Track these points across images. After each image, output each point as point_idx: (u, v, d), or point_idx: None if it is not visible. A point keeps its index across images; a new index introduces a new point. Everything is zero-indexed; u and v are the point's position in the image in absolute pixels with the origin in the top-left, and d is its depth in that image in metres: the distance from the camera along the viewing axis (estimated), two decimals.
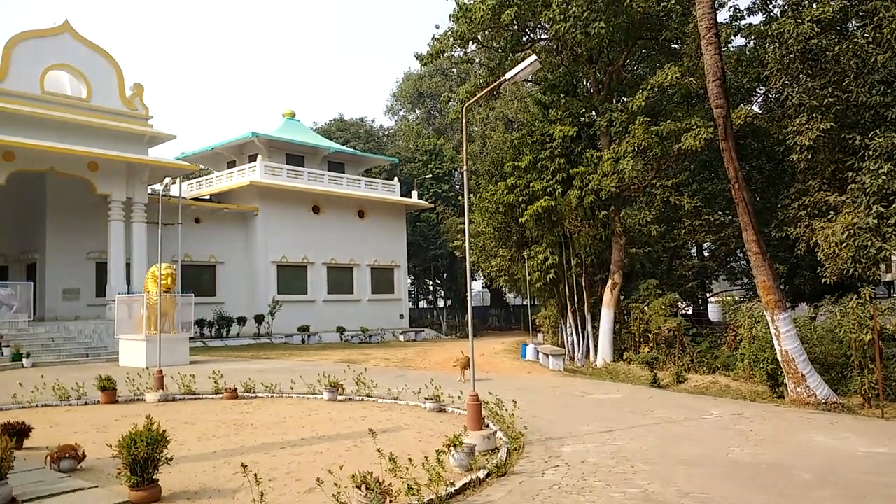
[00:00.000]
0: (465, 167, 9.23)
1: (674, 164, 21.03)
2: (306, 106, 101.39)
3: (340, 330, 31.88)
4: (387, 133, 52.71)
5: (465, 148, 9.79)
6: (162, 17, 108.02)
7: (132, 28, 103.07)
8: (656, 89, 18.38)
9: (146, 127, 25.33)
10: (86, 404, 11.78)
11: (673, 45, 20.95)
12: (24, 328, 20.93)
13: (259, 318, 29.71)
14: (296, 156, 34.28)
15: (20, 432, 7.98)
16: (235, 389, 12.38)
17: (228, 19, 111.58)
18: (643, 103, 18.17)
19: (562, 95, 21.24)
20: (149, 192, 25.37)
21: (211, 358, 21.21)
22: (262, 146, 32.45)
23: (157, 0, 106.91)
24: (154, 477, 5.84)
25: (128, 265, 24.18)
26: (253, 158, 31.99)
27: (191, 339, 21.28)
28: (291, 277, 32.03)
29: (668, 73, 17.55)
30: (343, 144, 41.78)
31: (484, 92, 11.54)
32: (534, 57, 8.75)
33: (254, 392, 12.65)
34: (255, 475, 5.57)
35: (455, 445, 6.85)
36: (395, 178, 38.15)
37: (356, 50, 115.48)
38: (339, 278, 34.15)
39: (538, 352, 20.84)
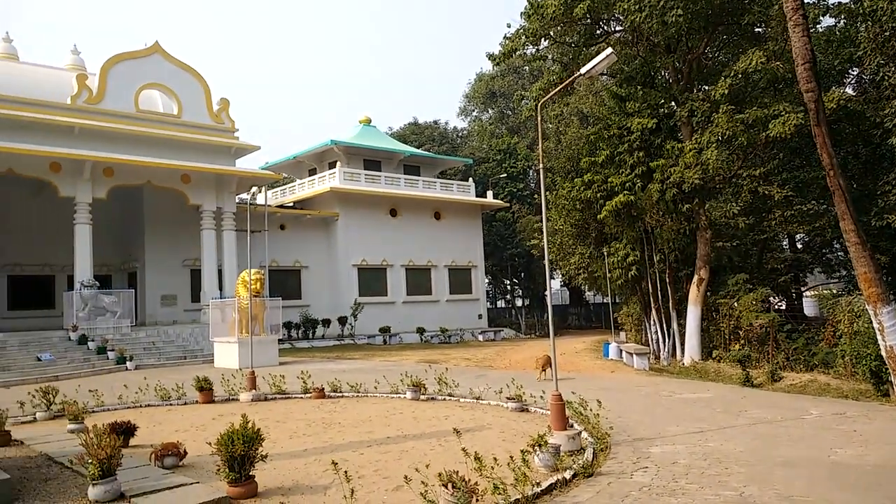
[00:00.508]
0: (541, 165, 9.15)
1: (761, 152, 20.09)
2: (382, 112, 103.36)
3: (420, 330, 32.27)
4: (460, 134, 52.93)
5: (540, 145, 9.72)
6: (243, 33, 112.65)
7: (217, 43, 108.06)
8: (740, 76, 17.60)
9: (233, 139, 26.53)
10: (185, 404, 12.44)
11: (756, 29, 20.02)
12: (127, 333, 22.31)
13: (342, 320, 30.51)
14: (373, 161, 34.98)
15: (127, 431, 8.49)
16: (323, 389, 12.75)
17: (308, 32, 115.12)
18: (726, 91, 17.45)
19: (639, 87, 20.69)
20: (237, 201, 26.56)
21: (298, 359, 21.94)
22: (340, 153, 33.31)
23: (240, 16, 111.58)
24: (251, 473, 6.09)
25: (219, 271, 25.41)
26: (332, 165, 32.90)
27: (279, 340, 22.08)
28: (372, 279, 32.69)
29: (753, 59, 16.78)
30: (418, 148, 42.30)
31: (559, 88, 11.40)
32: (609, 50, 8.58)
33: (340, 391, 12.99)
34: (346, 473, 5.72)
35: (540, 445, 6.80)
36: (470, 179, 38.25)
37: (429, 54, 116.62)
38: (418, 279, 34.57)
39: (621, 350, 20.38)
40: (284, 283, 29.67)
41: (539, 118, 9.23)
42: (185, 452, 7.45)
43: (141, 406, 12.19)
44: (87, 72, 25.41)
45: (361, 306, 30.93)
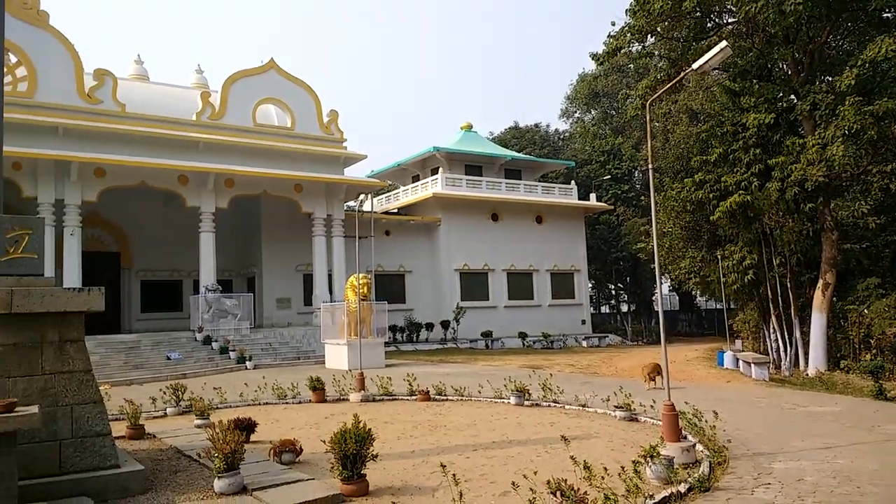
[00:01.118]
0: (650, 165, 8.87)
1: (893, 146, 18.47)
2: (483, 117, 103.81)
3: (522, 335, 32.08)
4: (562, 137, 52.24)
5: (649, 145, 9.41)
6: (349, 44, 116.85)
7: (325, 54, 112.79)
8: (868, 65, 16.28)
9: (341, 149, 27.64)
10: (299, 403, 13.03)
11: (885, 15, 18.46)
12: (247, 334, 23.68)
13: (445, 324, 30.88)
14: (474, 166, 35.22)
15: (247, 427, 8.98)
16: (428, 392, 12.96)
17: (411, 42, 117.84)
18: (853, 82, 16.20)
19: (754, 81, 19.61)
20: (345, 208, 27.60)
21: (403, 361, 22.42)
22: (442, 159, 33.81)
23: (344, 28, 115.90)
24: (362, 472, 6.29)
25: (329, 276, 26.48)
26: (435, 171, 33.44)
27: (385, 343, 22.67)
28: (473, 284, 32.90)
29: (882, 46, 15.49)
30: (519, 152, 42.13)
31: (669, 86, 11.02)
32: (724, 43, 8.19)
33: (444, 395, 13.15)
34: (454, 476, 5.79)
35: (652, 456, 6.58)
36: (573, 182, 37.66)
37: (529, 58, 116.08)
38: (520, 284, 34.42)
39: (737, 359, 19.33)
40: (389, 287, 30.42)
41: (648, 117, 8.94)
42: (301, 449, 7.78)
43: (259, 404, 12.87)
44: (210, 89, 27.27)
45: (463, 310, 31.18)
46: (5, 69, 6.84)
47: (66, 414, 6.41)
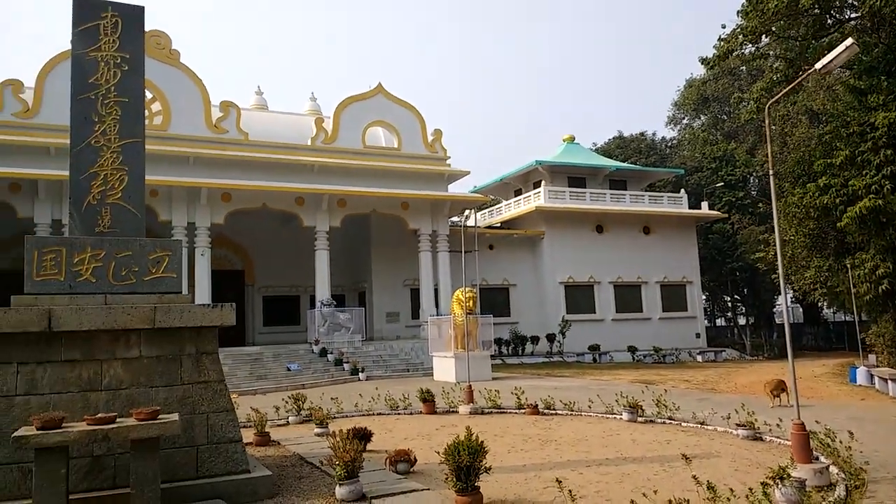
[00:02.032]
0: (771, 171, 8.44)
1: None
2: (585, 128, 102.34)
3: (631, 349, 31.14)
4: (669, 144, 50.51)
5: (769, 150, 8.97)
6: (450, 61, 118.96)
7: (427, 74, 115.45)
8: None
9: (445, 166, 28.22)
10: (410, 414, 13.34)
11: None
12: (359, 347, 24.54)
13: (550, 337, 30.55)
14: (577, 178, 34.77)
15: (364, 437, 9.28)
16: (536, 405, 12.89)
17: (511, 56, 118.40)
18: None
19: (882, 77, 18.14)
20: (449, 223, 28.09)
21: (509, 374, 22.38)
22: (545, 172, 33.65)
23: (447, 45, 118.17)
24: (476, 484, 6.37)
25: (435, 290, 26.98)
26: (537, 185, 33.34)
27: (490, 356, 22.74)
28: (579, 297, 32.37)
29: None
30: (624, 162, 41.17)
31: (790, 87, 10.45)
32: (850, 40, 7.71)
33: (553, 409, 13.02)
34: (570, 492, 5.75)
35: (782, 478, 6.22)
36: (682, 190, 36.28)
37: (632, 66, 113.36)
38: (627, 296, 33.48)
39: (872, 375, 17.81)
40: (494, 300, 30.50)
41: (768, 120, 8.52)
42: (416, 459, 7.98)
43: (373, 414, 13.30)
44: (323, 115, 28.71)
45: (569, 324, 30.71)
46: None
47: (203, 421, 6.94)
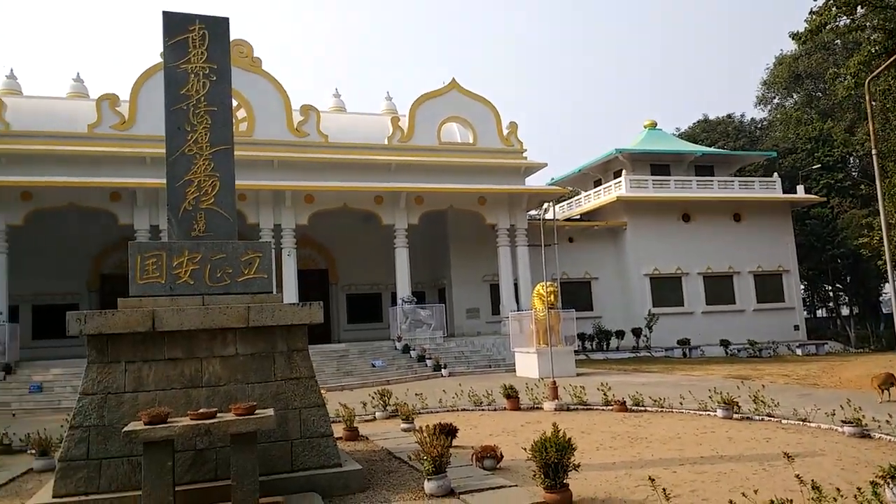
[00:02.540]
0: (874, 150, 7.88)
1: None
2: (667, 113, 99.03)
3: (724, 343, 29.87)
4: (759, 126, 48.11)
5: (871, 127, 8.40)
6: (523, 51, 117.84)
7: (501, 66, 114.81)
8: None
9: (521, 160, 27.98)
10: (494, 410, 13.32)
11: None
12: (440, 343, 24.75)
13: (636, 332, 29.76)
14: (661, 165, 33.69)
15: (450, 432, 9.33)
16: (624, 402, 12.57)
17: (587, 42, 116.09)
18: None
19: None
20: (527, 217, 27.86)
21: (594, 370, 21.96)
22: (626, 161, 32.78)
23: (519, 34, 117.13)
24: (565, 481, 6.28)
25: (515, 285, 26.83)
26: (618, 174, 32.52)
27: (574, 351, 22.39)
28: (666, 289, 31.37)
29: None
30: (710, 146, 39.55)
31: (892, 60, 9.72)
32: None
33: (642, 405, 12.67)
34: (664, 490, 5.57)
35: (893, 477, 5.80)
36: (775, 174, 34.49)
37: (716, 46, 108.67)
38: (718, 288, 32.15)
39: None
40: (575, 294, 30.00)
41: (868, 96, 7.96)
42: (502, 456, 7.96)
43: (457, 410, 13.36)
44: (399, 113, 29.08)
45: (656, 317, 29.82)
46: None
47: (295, 416, 7.17)
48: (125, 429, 5.81)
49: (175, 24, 7.77)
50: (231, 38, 8.12)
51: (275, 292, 7.83)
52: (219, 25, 7.91)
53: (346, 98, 31.34)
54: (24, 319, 24.71)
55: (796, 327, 32.83)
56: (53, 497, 6.19)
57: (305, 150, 25.48)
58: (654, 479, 5.80)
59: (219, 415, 6.20)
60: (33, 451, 9.40)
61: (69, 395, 18.13)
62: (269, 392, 7.14)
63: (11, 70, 26.46)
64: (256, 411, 6.25)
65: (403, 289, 25.27)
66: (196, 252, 7.30)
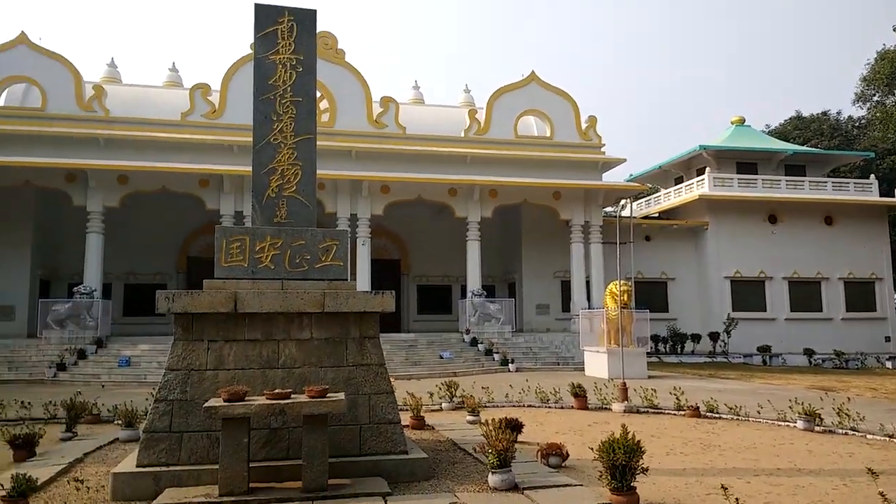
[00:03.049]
0: None
1: None
2: (756, 110, 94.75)
3: (808, 352, 28.46)
4: (856, 125, 45.33)
5: None
6: (605, 44, 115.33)
7: (582, 59, 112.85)
8: None
9: (599, 154, 27.47)
10: (561, 408, 13.19)
11: None
12: (509, 338, 24.68)
13: (713, 336, 28.76)
14: (747, 163, 32.34)
15: (515, 427, 9.30)
16: (698, 408, 12.20)
17: (673, 37, 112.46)
18: None
19: None
20: (603, 214, 27.34)
21: (666, 374, 21.38)
22: (710, 158, 31.63)
23: (601, 28, 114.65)
24: (632, 484, 6.16)
25: (587, 282, 26.41)
26: (700, 172, 31.42)
27: (646, 353, 21.85)
28: (747, 293, 30.16)
29: None
30: (802, 145, 37.61)
31: None
32: None
33: (717, 412, 12.25)
34: (737, 500, 5.39)
35: None
36: (872, 176, 32.44)
37: (812, 40, 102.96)
38: (804, 294, 30.63)
39: None
40: (650, 294, 29.27)
41: None
42: (568, 454, 7.88)
43: (523, 405, 13.31)
44: (476, 106, 29.10)
45: (735, 322, 28.73)
46: None
47: (365, 402, 7.34)
48: (206, 404, 6.11)
49: (265, 15, 8.04)
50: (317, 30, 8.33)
51: (349, 280, 8.01)
52: (307, 17, 8.13)
53: (425, 90, 31.44)
54: (116, 296, 26.32)
55: (887, 339, 30.87)
56: (137, 466, 6.55)
57: (383, 141, 25.89)
58: (727, 488, 5.61)
59: (293, 396, 6.42)
60: (119, 422, 9.98)
61: (154, 370, 19.20)
62: (340, 377, 7.33)
63: (112, 59, 28.15)
64: (328, 395, 6.44)
65: (474, 282, 25.33)
66: (277, 238, 7.56)
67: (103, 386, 17.81)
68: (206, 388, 6.94)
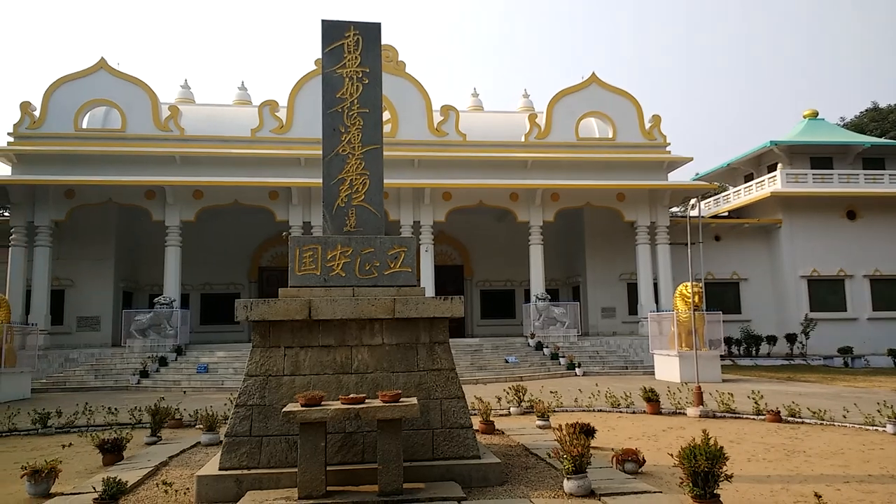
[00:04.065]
0: None
1: None
2: (830, 102, 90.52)
3: (893, 353, 26.90)
4: None
5: None
6: (672, 42, 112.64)
7: (647, 58, 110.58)
8: None
9: (664, 154, 26.82)
10: (633, 413, 12.91)
11: None
12: (574, 342, 24.36)
13: (790, 338, 27.59)
14: (822, 158, 30.92)
15: (588, 432, 9.17)
16: (778, 412, 11.73)
17: (742, 31, 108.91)
18: None
19: None
20: (669, 214, 26.68)
21: (741, 377, 20.65)
22: (781, 154, 30.42)
23: (664, 26, 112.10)
24: (715, 492, 5.98)
25: (654, 284, 25.80)
26: (771, 168, 30.29)
27: (720, 356, 21.14)
28: (825, 292, 28.82)
29: None
30: (880, 137, 35.70)
31: None
32: None
33: (799, 417, 11.75)
34: None
35: None
36: None
37: (888, 25, 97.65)
38: (887, 292, 29.05)
39: None
40: (721, 296, 28.33)
41: None
42: (644, 460, 7.71)
43: (593, 410, 13.11)
44: (535, 111, 28.94)
45: (814, 323, 27.47)
46: None
47: (437, 406, 7.39)
48: (284, 409, 6.28)
49: (332, 31, 8.26)
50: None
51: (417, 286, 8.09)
52: (371, 31, 8.30)
53: (484, 97, 31.50)
54: (194, 306, 27.40)
55: None
56: (220, 469, 6.79)
57: (444, 149, 26.06)
58: (820, 496, 5.37)
59: (367, 401, 6.53)
60: (201, 427, 10.38)
61: (231, 376, 19.89)
62: (412, 381, 7.41)
63: (185, 80, 29.41)
64: (401, 399, 6.52)
65: (537, 286, 25.14)
66: (347, 246, 7.73)
67: (185, 392, 18.54)
68: (284, 393, 7.14)
